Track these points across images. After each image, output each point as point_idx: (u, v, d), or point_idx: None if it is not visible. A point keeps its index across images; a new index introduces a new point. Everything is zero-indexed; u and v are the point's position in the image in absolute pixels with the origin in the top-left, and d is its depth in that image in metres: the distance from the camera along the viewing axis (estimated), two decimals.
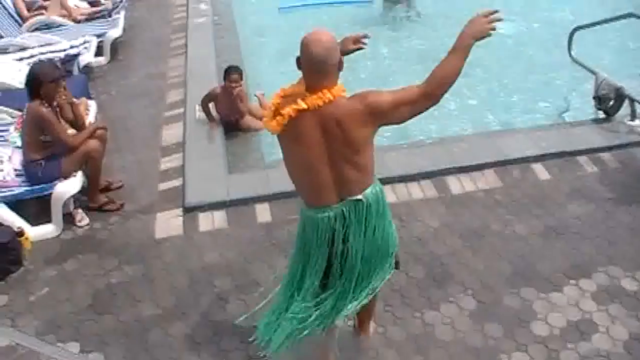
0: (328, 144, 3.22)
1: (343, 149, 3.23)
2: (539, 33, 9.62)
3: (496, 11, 3.30)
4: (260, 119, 6.62)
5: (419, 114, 3.32)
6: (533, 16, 10.28)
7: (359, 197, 3.34)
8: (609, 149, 5.91)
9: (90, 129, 5.55)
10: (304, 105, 3.15)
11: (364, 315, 4.00)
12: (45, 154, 5.25)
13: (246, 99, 6.90)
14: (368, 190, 3.37)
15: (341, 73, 3.26)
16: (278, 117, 3.21)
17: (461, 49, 3.28)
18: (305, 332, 3.52)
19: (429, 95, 3.26)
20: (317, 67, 3.15)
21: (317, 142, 3.23)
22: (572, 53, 7.51)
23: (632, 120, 6.26)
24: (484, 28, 3.30)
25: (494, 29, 3.30)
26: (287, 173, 3.47)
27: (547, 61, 8.46)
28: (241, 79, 6.72)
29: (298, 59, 3.22)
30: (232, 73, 6.65)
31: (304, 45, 3.17)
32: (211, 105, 6.84)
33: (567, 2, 10.39)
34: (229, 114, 6.80)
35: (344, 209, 3.34)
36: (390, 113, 3.24)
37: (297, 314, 3.52)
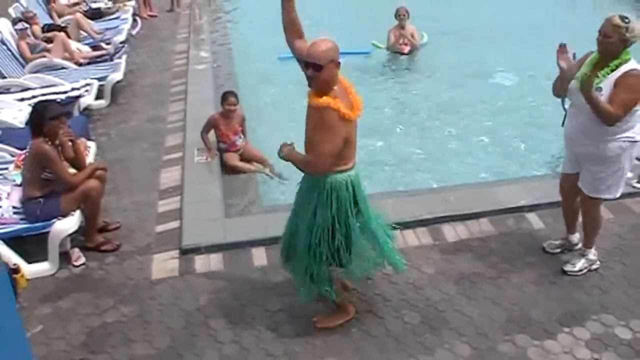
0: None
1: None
2: (532, 84, 9.80)
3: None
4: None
5: None
6: (527, 67, 10.50)
7: None
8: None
9: (90, 168, 5.60)
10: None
11: None
12: (45, 191, 5.28)
13: (244, 123, 7.32)
14: None
15: None
16: (356, 108, 4.05)
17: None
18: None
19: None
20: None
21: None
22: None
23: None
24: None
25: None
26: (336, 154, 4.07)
27: (541, 112, 8.61)
28: (238, 102, 7.11)
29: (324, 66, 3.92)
30: (229, 96, 7.05)
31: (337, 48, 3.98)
32: (211, 134, 7.18)
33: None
34: (230, 137, 7.09)
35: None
36: None
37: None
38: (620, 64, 4.51)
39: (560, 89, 4.95)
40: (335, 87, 4.00)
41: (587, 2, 15.76)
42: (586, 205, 5.04)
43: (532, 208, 6.01)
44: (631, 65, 4.51)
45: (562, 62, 4.77)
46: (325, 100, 3.93)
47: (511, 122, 8.55)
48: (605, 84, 4.52)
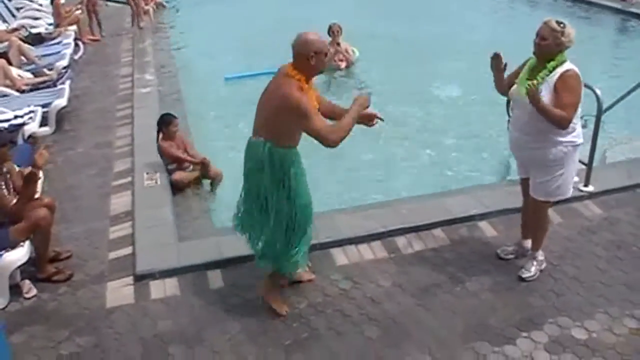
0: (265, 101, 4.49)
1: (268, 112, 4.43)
2: (474, 94, 10.00)
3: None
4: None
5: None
6: (475, 78, 10.68)
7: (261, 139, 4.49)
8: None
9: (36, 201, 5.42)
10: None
11: None
12: None
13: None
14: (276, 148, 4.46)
15: None
16: None
17: (354, 116, 4.49)
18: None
19: (332, 141, 4.32)
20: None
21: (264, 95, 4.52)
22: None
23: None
24: (366, 104, 4.63)
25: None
26: None
27: (485, 122, 8.77)
28: None
29: None
30: (173, 118, 7.31)
31: None
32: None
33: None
34: (181, 155, 7.25)
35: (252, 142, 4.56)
36: (301, 128, 4.38)
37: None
38: (557, 66, 4.64)
39: (500, 87, 5.05)
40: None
41: (528, 19, 16.21)
42: (534, 207, 5.14)
43: (484, 216, 6.11)
44: (566, 66, 4.65)
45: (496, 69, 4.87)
46: None
47: (455, 133, 8.71)
48: (545, 87, 4.63)
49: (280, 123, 4.38)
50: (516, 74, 4.96)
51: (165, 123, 7.27)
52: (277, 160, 4.46)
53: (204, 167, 7.26)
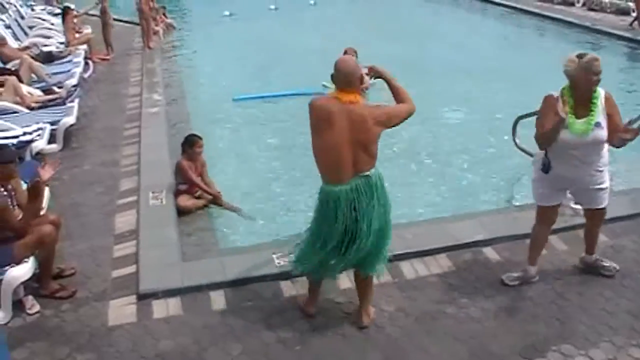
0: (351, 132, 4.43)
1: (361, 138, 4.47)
2: (480, 120, 10.02)
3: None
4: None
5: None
6: (475, 104, 10.73)
7: (368, 173, 4.56)
8: (555, 231, 6.08)
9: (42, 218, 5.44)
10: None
11: (362, 298, 5.04)
12: None
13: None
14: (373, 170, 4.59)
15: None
16: None
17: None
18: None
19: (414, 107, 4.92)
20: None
21: (343, 129, 4.42)
22: (517, 141, 7.80)
23: (575, 203, 6.45)
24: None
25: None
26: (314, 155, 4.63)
27: (489, 148, 8.78)
28: None
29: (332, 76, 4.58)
30: (198, 139, 7.26)
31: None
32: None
33: (512, 90, 10.88)
34: (194, 179, 7.19)
35: (357, 183, 4.53)
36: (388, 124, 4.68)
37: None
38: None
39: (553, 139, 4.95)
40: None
41: (534, 41, 16.29)
42: (596, 218, 5.43)
43: (488, 242, 6.09)
44: (600, 90, 4.92)
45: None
46: None
47: (461, 158, 8.69)
48: (600, 116, 4.85)
49: (375, 143, 4.62)
50: (549, 117, 4.88)
51: (189, 143, 7.27)
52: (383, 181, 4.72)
53: (215, 201, 7.25)
